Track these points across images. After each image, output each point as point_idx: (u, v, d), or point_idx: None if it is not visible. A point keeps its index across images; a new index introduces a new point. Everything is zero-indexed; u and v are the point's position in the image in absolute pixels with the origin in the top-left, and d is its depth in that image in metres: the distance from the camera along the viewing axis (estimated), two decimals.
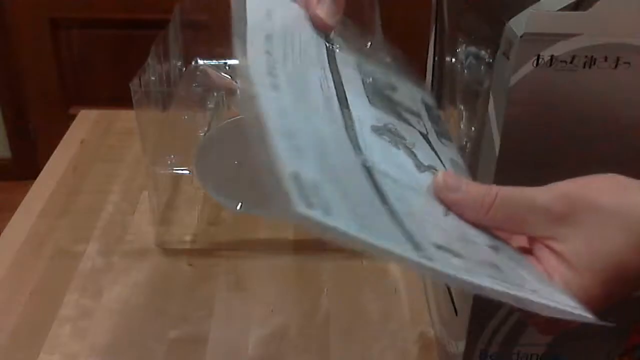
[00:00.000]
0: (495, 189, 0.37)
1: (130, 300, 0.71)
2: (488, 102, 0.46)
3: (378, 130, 0.41)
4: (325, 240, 0.28)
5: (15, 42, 1.97)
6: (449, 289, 0.59)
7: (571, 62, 0.41)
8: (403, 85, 0.49)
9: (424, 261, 0.31)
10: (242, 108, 0.32)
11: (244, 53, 0.37)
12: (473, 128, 0.52)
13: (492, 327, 0.53)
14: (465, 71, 0.55)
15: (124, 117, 1.04)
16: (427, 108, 0.49)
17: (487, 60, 0.48)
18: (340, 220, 0.29)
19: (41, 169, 0.93)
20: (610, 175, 0.36)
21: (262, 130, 0.31)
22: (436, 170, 0.40)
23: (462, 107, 0.57)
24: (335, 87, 0.42)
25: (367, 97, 0.44)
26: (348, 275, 0.75)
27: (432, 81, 0.69)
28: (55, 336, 0.66)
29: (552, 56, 0.41)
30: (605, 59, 0.41)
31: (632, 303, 0.52)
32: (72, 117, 1.06)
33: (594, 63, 0.41)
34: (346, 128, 0.39)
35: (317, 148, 0.34)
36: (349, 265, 0.76)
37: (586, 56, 0.41)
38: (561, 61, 0.41)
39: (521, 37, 0.40)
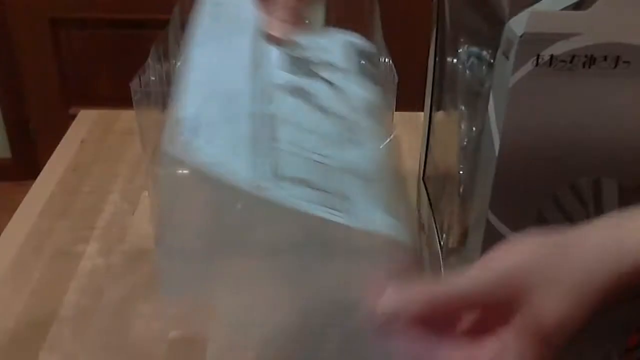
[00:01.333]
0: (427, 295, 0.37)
1: (130, 300, 0.71)
2: (488, 102, 0.46)
3: (286, 89, 0.46)
4: None
5: (15, 42, 1.97)
6: None
7: (571, 62, 0.41)
8: (330, 39, 0.53)
9: (253, 190, 0.37)
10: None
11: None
12: (474, 128, 0.52)
13: None
14: (467, 71, 0.55)
15: (124, 117, 1.04)
16: (361, 55, 0.53)
17: (488, 60, 0.48)
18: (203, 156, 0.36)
19: (41, 169, 0.92)
20: (530, 242, 0.36)
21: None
22: (342, 117, 0.45)
23: (463, 108, 0.57)
24: (255, 49, 0.48)
25: (279, 61, 0.49)
26: None
27: (433, 81, 0.69)
28: (55, 336, 0.66)
29: (551, 56, 0.41)
30: (605, 58, 0.41)
31: (632, 303, 0.52)
32: (72, 117, 1.06)
33: (594, 63, 0.41)
34: (256, 82, 0.44)
35: (223, 97, 0.41)
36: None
37: (586, 56, 0.41)
38: (561, 61, 0.41)
39: (521, 37, 0.40)
